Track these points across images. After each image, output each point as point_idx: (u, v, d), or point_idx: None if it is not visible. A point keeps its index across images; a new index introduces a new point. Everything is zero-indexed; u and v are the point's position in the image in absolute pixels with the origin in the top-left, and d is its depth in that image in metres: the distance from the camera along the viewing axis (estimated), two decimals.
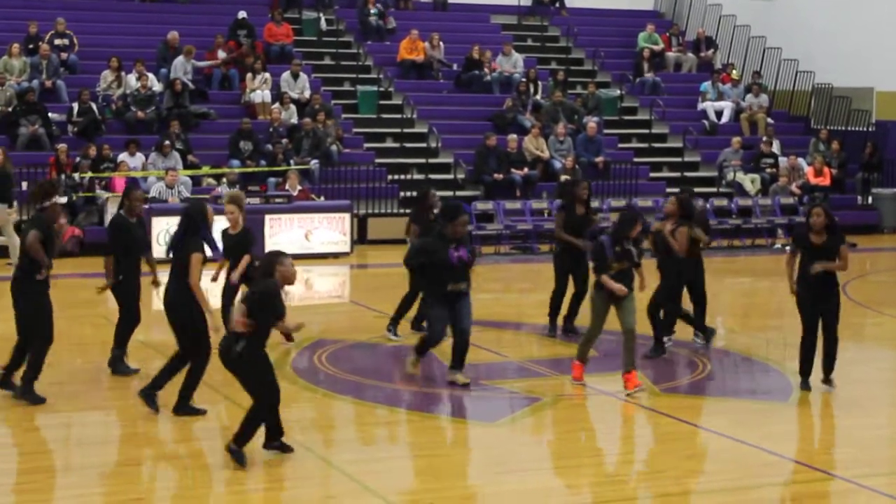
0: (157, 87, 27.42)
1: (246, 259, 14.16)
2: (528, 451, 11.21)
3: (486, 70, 30.58)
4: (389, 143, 28.72)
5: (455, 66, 31.06)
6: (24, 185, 23.94)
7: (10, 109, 25.86)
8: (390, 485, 9.91)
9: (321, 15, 32.05)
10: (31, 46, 27.73)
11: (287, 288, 10.22)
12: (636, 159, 29.19)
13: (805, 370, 12.94)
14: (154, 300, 18.14)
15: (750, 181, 28.49)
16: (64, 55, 28.03)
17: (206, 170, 25.65)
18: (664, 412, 12.17)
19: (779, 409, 12.62)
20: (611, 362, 14.73)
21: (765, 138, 29.68)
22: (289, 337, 14.18)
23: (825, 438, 10.61)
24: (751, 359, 15.37)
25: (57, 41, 28.14)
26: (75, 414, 11.70)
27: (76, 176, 24.03)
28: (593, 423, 11.93)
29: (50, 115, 25.93)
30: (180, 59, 27.93)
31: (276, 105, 27.50)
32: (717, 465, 10.69)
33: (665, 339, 14.69)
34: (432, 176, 27.55)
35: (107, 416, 12.00)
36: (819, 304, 12.65)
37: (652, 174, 29.12)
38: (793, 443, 11.13)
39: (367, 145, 28.11)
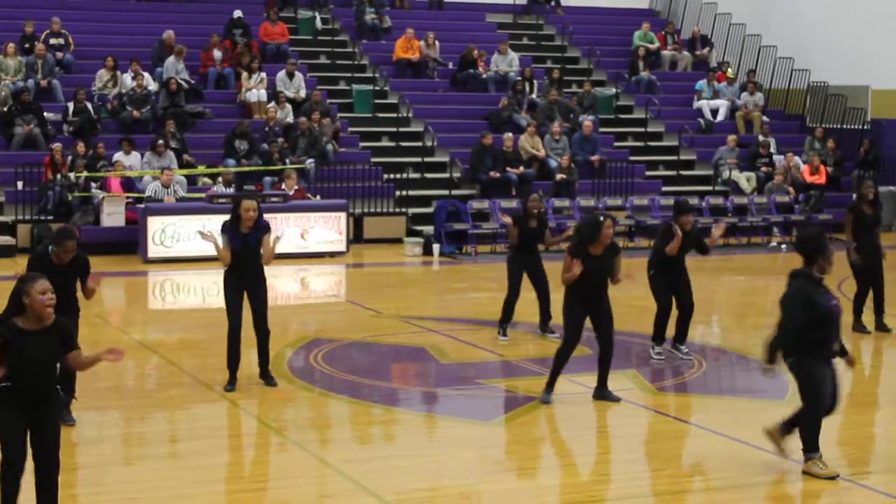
0: (153, 86, 27.40)
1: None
2: (524, 450, 11.22)
3: (482, 69, 30.57)
4: (385, 143, 28.71)
5: (451, 65, 31.07)
6: (20, 184, 23.96)
7: (5, 109, 25.83)
8: (386, 484, 9.91)
9: (316, 14, 32.04)
10: (26, 46, 27.70)
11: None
12: (632, 158, 29.20)
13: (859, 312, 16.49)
14: (152, 301, 18.21)
15: (746, 179, 28.51)
16: (59, 54, 28.00)
17: (201, 169, 25.63)
18: (660, 410, 12.18)
19: (775, 408, 12.62)
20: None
21: (761, 137, 29.70)
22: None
23: (822, 436, 10.57)
24: (747, 357, 15.37)
25: (52, 40, 28.11)
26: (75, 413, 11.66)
27: (72, 175, 24.01)
28: (589, 421, 11.93)
29: (45, 114, 25.91)
30: (171, 59, 27.89)
31: (272, 104, 27.50)
32: (713, 464, 10.69)
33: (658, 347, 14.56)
34: (428, 175, 27.56)
35: (102, 416, 11.98)
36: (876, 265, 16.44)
37: (648, 173, 29.12)
38: (789, 441, 11.11)
39: (362, 144, 28.11)
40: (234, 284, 12.91)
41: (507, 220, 16.03)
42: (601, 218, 12.38)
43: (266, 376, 13.03)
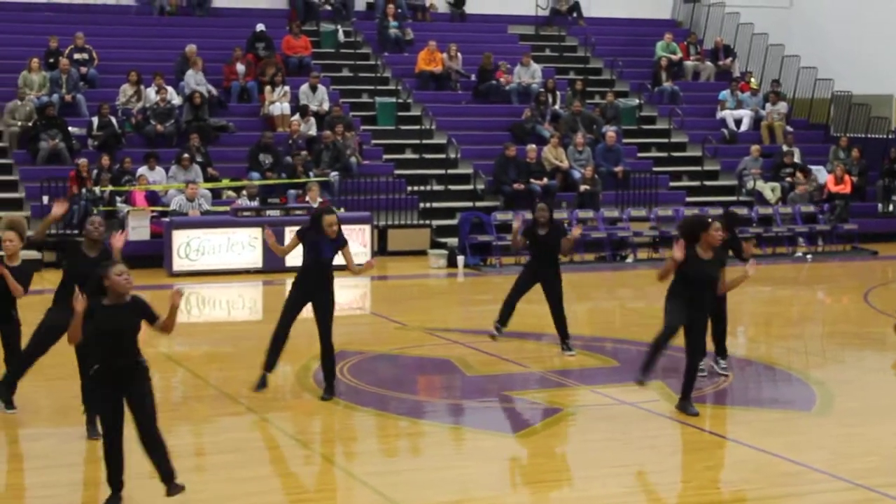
0: (177, 100, 27.50)
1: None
2: (550, 462, 11.20)
3: (503, 80, 30.58)
4: (409, 155, 28.74)
5: (473, 77, 31.08)
6: (45, 199, 24.07)
7: (30, 124, 25.97)
8: (413, 496, 9.91)
9: (339, 27, 32.10)
10: (50, 61, 27.85)
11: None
12: (656, 168, 29.16)
13: None
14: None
15: (770, 189, 28.44)
16: (84, 69, 28.15)
17: (226, 182, 25.71)
18: (686, 422, 12.14)
19: (802, 419, 12.60)
20: (631, 372, 14.73)
21: (785, 147, 29.62)
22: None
23: (849, 447, 10.57)
24: (773, 368, 15.34)
25: (76, 55, 28.27)
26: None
27: (97, 189, 24.11)
28: (615, 433, 11.89)
29: (70, 129, 26.03)
30: (190, 71, 27.99)
31: (296, 117, 27.56)
32: (740, 475, 10.66)
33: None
34: (452, 187, 27.58)
35: (128, 430, 11.98)
36: None
37: (672, 183, 29.08)
38: (816, 452, 11.09)
39: (386, 157, 28.14)
40: (300, 293, 12.93)
41: (515, 224, 15.81)
42: (709, 219, 12.29)
43: (329, 391, 13.08)
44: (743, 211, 27.39)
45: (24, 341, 12.08)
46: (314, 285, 12.86)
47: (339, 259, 12.98)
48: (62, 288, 11.54)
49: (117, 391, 9.35)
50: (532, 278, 15.40)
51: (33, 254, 23.25)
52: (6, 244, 12.06)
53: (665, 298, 12.31)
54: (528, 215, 15.93)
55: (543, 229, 15.28)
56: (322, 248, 12.80)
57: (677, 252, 11.88)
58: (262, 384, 12.98)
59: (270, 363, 13.01)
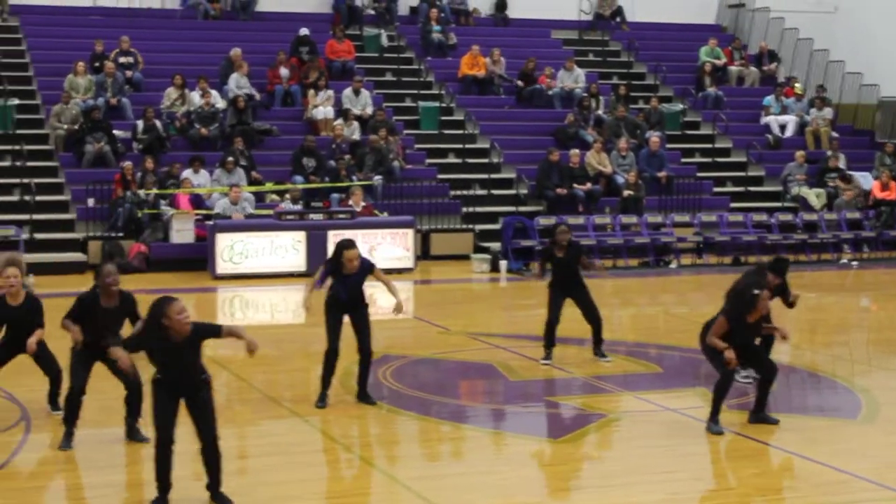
0: (221, 103, 27.61)
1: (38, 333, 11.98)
2: (593, 468, 11.16)
3: (546, 85, 30.53)
4: (451, 159, 28.75)
5: (520, 83, 31.04)
6: (91, 201, 24.22)
7: (76, 127, 26.15)
8: (455, 501, 9.90)
9: (382, 31, 32.17)
10: (96, 65, 28.04)
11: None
12: (699, 174, 29.05)
13: None
14: (221, 317, 18.32)
15: (815, 196, 28.28)
16: (129, 73, 28.32)
17: (269, 186, 25.79)
18: (731, 429, 12.07)
19: (847, 427, 12.50)
20: (674, 379, 14.70)
21: (830, 153, 29.44)
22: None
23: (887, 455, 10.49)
24: (818, 375, 15.24)
25: (122, 59, 28.43)
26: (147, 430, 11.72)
27: (141, 192, 24.23)
28: (658, 440, 11.84)
29: (115, 132, 26.19)
30: (234, 75, 28.10)
31: (339, 121, 27.62)
32: (785, 483, 10.59)
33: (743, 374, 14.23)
34: (494, 191, 27.57)
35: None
36: None
37: (715, 189, 28.96)
38: (862, 461, 10.99)
39: (429, 161, 28.16)
40: (336, 311, 12.89)
41: (534, 269, 15.85)
42: (755, 292, 11.89)
43: (364, 396, 13.05)
44: (788, 217, 27.27)
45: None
46: (347, 306, 12.85)
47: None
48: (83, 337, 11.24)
49: (177, 398, 9.50)
50: (561, 296, 15.32)
51: (78, 255, 23.45)
52: (11, 280, 11.80)
53: (709, 346, 12.12)
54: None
55: (561, 251, 15.23)
56: (346, 284, 12.73)
57: (729, 354, 11.73)
58: (322, 400, 12.95)
59: (328, 382, 12.98)
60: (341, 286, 12.74)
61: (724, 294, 12.21)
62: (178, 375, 9.47)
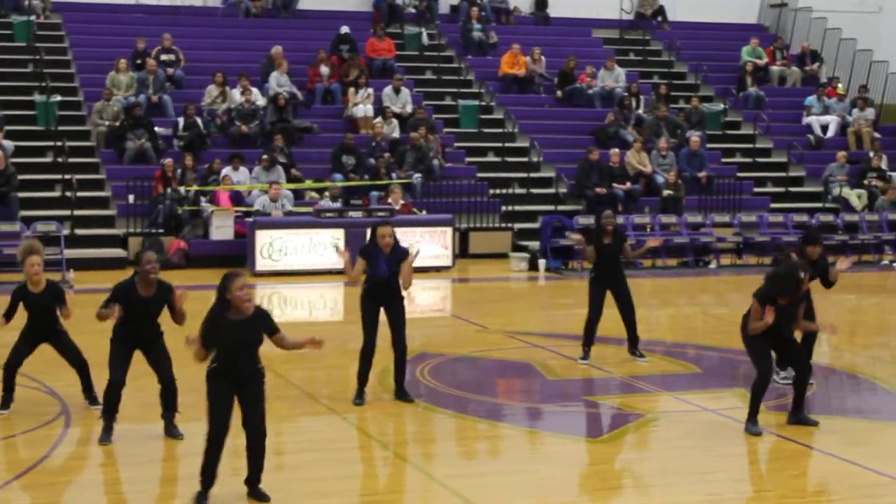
0: (261, 101, 27.68)
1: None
2: (630, 468, 11.13)
3: (587, 84, 30.45)
4: (491, 158, 28.73)
5: (557, 81, 30.99)
6: (131, 198, 24.34)
7: (117, 124, 26.29)
8: (492, 500, 9.89)
9: (423, 30, 32.19)
10: (138, 62, 28.18)
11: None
12: (740, 174, 28.92)
13: None
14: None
15: (856, 196, 28.11)
16: (170, 70, 28.44)
17: (308, 183, 25.85)
18: (770, 430, 12.00)
19: (887, 429, 12.42)
20: (713, 379, 14.63)
21: (872, 153, 29.26)
22: None
23: None
24: (857, 377, 15.14)
25: (163, 56, 28.57)
26: (183, 426, 11.77)
27: (182, 189, 24.34)
28: (696, 440, 11.78)
29: (156, 129, 26.31)
30: (275, 73, 28.17)
31: (379, 119, 27.64)
32: (824, 485, 10.53)
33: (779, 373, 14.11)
34: (534, 190, 27.53)
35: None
36: None
37: (756, 189, 28.83)
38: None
39: (468, 159, 28.15)
40: (371, 305, 12.90)
41: (577, 237, 15.51)
42: (801, 274, 11.62)
43: (402, 393, 13.06)
44: (829, 218, 27.10)
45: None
46: (382, 297, 12.85)
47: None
48: (119, 327, 11.26)
49: (232, 389, 9.47)
50: (602, 290, 15.18)
51: (119, 251, 23.57)
52: (35, 269, 11.93)
53: (749, 339, 11.99)
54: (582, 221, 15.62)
55: (608, 238, 15.09)
56: (379, 263, 12.73)
57: (769, 316, 11.59)
58: (359, 397, 12.95)
59: (364, 378, 12.98)
60: (377, 268, 12.71)
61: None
62: (235, 358, 9.40)
